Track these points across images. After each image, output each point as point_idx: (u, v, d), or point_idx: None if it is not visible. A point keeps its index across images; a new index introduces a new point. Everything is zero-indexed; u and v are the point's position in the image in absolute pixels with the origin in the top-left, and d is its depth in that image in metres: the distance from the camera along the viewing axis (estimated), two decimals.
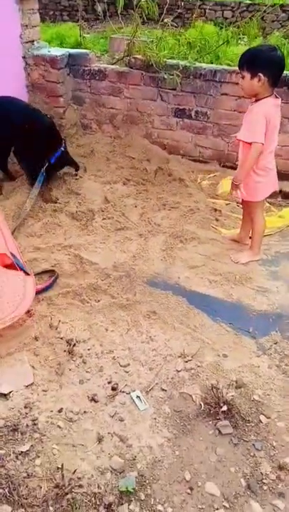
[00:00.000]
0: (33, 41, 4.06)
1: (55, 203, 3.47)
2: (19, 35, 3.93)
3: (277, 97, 2.56)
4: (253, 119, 2.54)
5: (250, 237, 3.02)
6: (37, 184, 3.37)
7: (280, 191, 3.62)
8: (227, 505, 1.63)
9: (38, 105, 4.15)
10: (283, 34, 4.77)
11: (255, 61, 2.46)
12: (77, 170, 3.78)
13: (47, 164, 3.44)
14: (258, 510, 1.62)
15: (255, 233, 2.90)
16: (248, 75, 2.48)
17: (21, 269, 2.54)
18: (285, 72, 3.41)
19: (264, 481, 1.70)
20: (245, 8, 9.94)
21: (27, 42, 4.01)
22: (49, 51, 4.06)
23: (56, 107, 4.17)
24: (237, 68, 3.41)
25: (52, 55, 3.98)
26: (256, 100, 2.56)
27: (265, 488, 1.68)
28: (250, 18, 4.09)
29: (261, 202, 2.85)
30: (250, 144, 2.56)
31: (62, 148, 3.54)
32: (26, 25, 3.94)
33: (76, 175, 3.77)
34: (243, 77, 2.52)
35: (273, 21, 9.61)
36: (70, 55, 4.08)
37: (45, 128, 3.47)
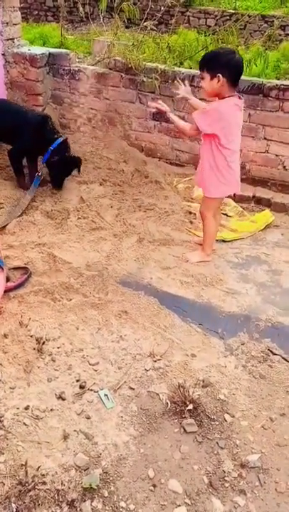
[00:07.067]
0: (13, 39, 4.05)
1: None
2: None
3: (240, 98, 2.65)
4: (209, 111, 2.65)
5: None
6: (32, 187, 3.37)
7: (254, 196, 3.69)
8: (189, 501, 1.65)
9: (16, 103, 4.14)
10: (261, 43, 4.86)
11: (214, 62, 2.56)
12: (78, 172, 3.67)
13: (41, 165, 3.48)
14: (218, 506, 1.64)
15: (206, 235, 2.94)
16: (207, 76, 2.57)
17: None
18: (260, 79, 3.51)
19: (226, 478, 1.73)
20: (228, 17, 10.07)
21: (7, 39, 3.99)
22: (29, 49, 4.05)
23: (35, 106, 4.15)
24: None
25: (32, 54, 3.97)
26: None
27: (226, 485, 1.71)
28: (229, 26, 4.14)
29: (216, 202, 2.91)
30: (209, 136, 2.66)
31: (52, 148, 3.42)
32: (7, 23, 3.92)
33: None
34: (202, 78, 2.62)
35: (255, 31, 9.79)
36: (50, 55, 4.07)
37: (32, 126, 3.45)
